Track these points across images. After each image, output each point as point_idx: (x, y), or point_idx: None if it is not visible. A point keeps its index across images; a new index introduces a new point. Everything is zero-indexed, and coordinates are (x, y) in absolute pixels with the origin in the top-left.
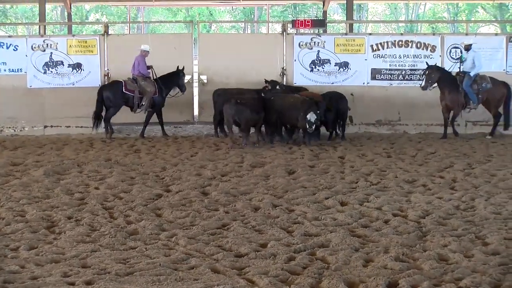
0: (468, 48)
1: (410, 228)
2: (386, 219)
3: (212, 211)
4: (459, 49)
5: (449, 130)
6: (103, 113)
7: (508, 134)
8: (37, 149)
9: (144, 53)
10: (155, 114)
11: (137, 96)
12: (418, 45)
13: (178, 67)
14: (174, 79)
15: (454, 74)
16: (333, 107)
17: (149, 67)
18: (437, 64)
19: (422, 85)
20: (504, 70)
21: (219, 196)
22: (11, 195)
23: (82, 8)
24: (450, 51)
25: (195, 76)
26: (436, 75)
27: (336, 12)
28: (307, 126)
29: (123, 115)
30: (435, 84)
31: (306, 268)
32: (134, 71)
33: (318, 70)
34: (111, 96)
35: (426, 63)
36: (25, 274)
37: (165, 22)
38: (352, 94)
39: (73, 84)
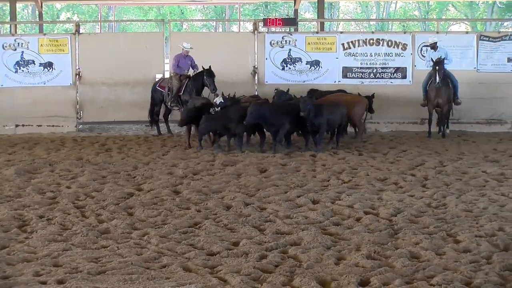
0: (434, 46)
1: (382, 226)
2: (357, 217)
3: (184, 210)
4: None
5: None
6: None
7: (479, 132)
8: (9, 148)
9: (183, 51)
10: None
11: (166, 93)
12: (389, 44)
13: (208, 67)
14: (199, 78)
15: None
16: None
17: (193, 66)
18: (441, 58)
19: (438, 82)
20: (475, 68)
21: (191, 195)
22: None
23: (53, 7)
24: (421, 49)
25: (167, 75)
26: (443, 70)
27: (307, 11)
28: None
29: (96, 114)
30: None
31: (278, 266)
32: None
33: (290, 68)
34: (152, 92)
35: (431, 59)
36: None
37: (136, 21)
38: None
39: (45, 83)
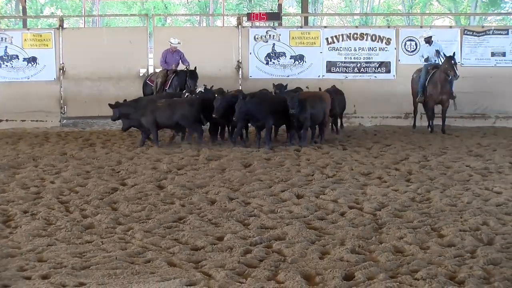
0: (429, 40)
1: (366, 221)
2: (342, 212)
3: (168, 205)
4: (414, 42)
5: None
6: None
7: (463, 127)
8: None
9: (171, 47)
10: None
11: (154, 87)
12: (373, 38)
13: (195, 68)
14: (184, 76)
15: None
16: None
17: (183, 61)
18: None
19: (457, 76)
20: (458, 62)
21: (175, 190)
22: None
23: (37, 1)
24: (405, 43)
25: (151, 70)
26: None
27: (291, 5)
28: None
29: (80, 109)
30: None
31: (263, 261)
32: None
33: (274, 63)
34: (143, 86)
35: (444, 54)
36: None
37: (120, 15)
38: (307, 87)
39: (28, 78)
